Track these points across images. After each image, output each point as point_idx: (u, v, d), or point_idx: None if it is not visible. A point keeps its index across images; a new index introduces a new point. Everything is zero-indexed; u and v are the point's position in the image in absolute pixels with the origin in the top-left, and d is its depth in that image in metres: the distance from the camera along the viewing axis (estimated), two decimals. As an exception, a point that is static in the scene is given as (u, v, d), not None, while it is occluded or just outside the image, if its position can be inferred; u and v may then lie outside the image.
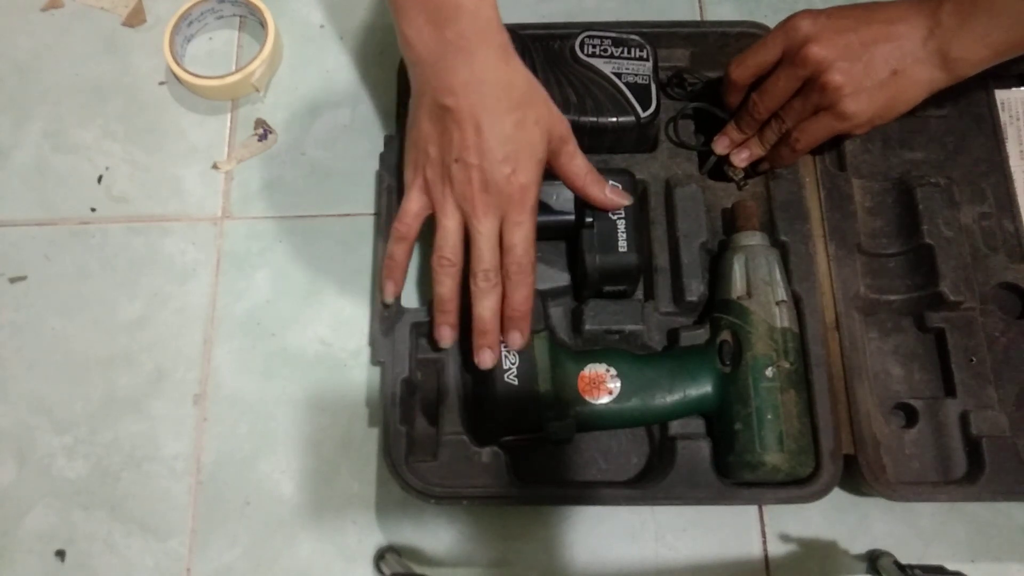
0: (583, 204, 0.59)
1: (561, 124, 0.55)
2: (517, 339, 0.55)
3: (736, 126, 0.62)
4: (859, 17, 0.56)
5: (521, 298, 0.54)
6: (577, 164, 0.56)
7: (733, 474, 0.56)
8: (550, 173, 0.56)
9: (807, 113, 0.58)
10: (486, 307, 0.54)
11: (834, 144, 0.64)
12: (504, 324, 0.55)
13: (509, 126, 0.52)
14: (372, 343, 0.60)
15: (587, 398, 0.57)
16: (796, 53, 0.56)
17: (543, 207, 0.60)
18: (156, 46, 0.72)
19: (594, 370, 0.57)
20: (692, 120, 0.66)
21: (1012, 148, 0.66)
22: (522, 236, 0.54)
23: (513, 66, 0.54)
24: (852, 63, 0.55)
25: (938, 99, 0.65)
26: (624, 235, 0.58)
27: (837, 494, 0.58)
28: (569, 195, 0.59)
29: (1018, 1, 0.53)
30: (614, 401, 0.57)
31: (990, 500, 0.57)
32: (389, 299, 0.59)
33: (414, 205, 0.56)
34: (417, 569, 0.58)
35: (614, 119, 0.61)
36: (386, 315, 0.59)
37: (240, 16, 0.75)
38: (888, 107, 0.57)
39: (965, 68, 0.55)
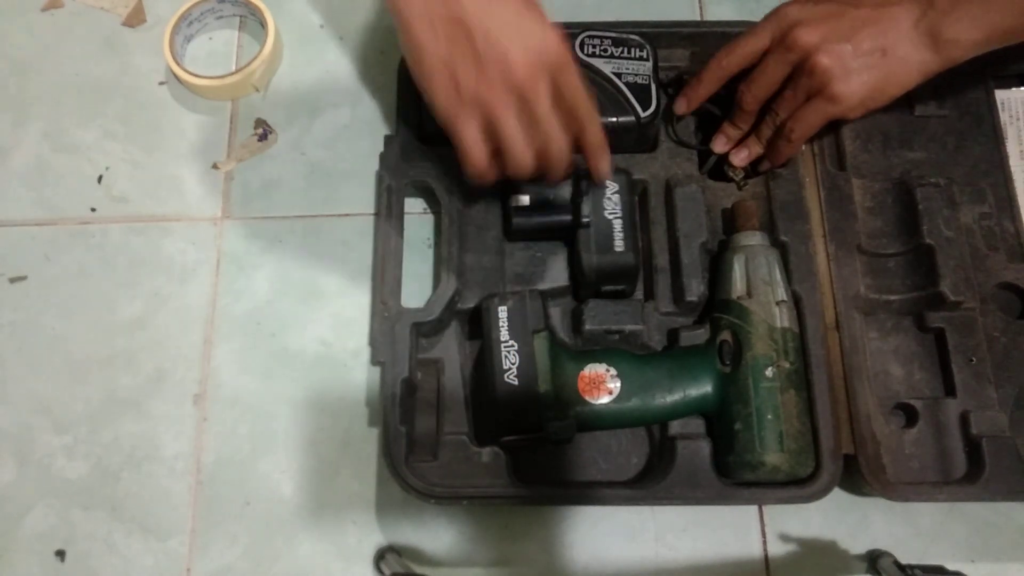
0: (578, 205, 0.59)
1: None
2: (607, 165, 0.56)
3: (731, 122, 0.62)
4: (849, 1, 0.56)
5: (596, 129, 0.54)
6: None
7: (733, 474, 0.56)
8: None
9: (799, 101, 0.58)
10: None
11: (830, 130, 0.63)
12: (590, 159, 0.56)
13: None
14: (372, 343, 0.60)
15: (587, 398, 0.57)
16: (784, 38, 0.56)
17: (543, 206, 0.60)
18: (156, 46, 0.72)
19: (594, 370, 0.57)
20: (692, 120, 0.66)
21: (1012, 148, 0.66)
22: (578, 88, 0.52)
23: None
24: (840, 44, 0.55)
25: (938, 99, 0.65)
26: (621, 235, 0.58)
27: (837, 494, 0.58)
28: (567, 195, 0.59)
29: None
30: (614, 401, 0.57)
31: (990, 500, 0.57)
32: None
33: (474, 142, 0.52)
34: (417, 569, 0.58)
35: (614, 119, 0.61)
36: (386, 315, 0.59)
37: (240, 16, 0.75)
38: (879, 89, 0.57)
39: (957, 51, 0.55)
